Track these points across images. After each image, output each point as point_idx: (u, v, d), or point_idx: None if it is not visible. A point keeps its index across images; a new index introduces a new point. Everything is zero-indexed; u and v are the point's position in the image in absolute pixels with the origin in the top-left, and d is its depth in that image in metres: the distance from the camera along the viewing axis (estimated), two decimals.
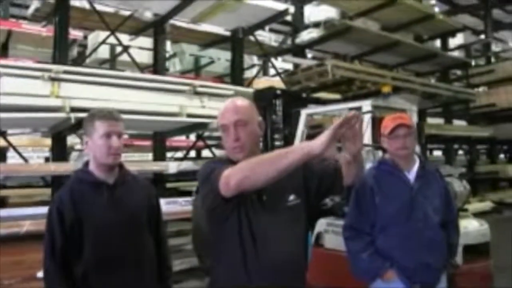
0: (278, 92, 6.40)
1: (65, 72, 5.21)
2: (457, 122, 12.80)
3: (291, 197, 2.14)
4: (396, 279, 2.88)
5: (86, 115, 2.60)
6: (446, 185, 3.26)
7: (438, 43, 12.30)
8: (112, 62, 8.74)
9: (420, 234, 2.89)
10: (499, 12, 18.54)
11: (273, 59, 9.96)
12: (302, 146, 1.87)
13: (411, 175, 3.00)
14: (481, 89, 13.29)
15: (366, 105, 5.12)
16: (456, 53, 12.86)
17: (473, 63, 13.60)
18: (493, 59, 16.44)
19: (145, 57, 8.59)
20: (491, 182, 14.01)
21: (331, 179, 2.20)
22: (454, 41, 13.43)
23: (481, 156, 16.87)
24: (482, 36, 16.99)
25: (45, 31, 7.30)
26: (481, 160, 15.92)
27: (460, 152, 15.19)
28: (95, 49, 8.28)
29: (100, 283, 2.40)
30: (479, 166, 13.96)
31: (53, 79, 5.06)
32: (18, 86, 4.86)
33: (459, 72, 13.40)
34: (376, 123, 4.81)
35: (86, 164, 2.56)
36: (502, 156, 17.33)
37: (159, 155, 6.77)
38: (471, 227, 4.33)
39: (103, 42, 7.83)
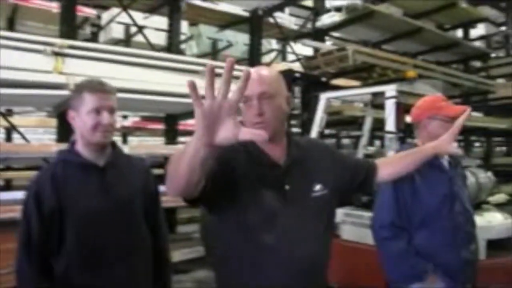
0: (297, 75, 5.96)
1: (70, 47, 4.66)
2: (473, 114, 12.26)
3: (318, 187, 1.85)
4: (438, 281, 2.56)
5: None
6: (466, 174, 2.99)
7: (459, 33, 11.71)
8: (126, 42, 8.19)
9: (462, 228, 2.62)
10: None
11: (292, 44, 9.43)
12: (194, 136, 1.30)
13: (445, 162, 2.67)
14: (499, 81, 12.71)
15: (391, 90, 4.66)
16: (477, 44, 12.24)
17: (493, 54, 13.03)
18: None
19: (161, 39, 8.00)
20: (506, 174, 13.48)
21: (364, 176, 2.01)
22: (474, 32, 12.94)
23: (495, 148, 16.35)
24: (503, 28, 16.38)
25: (56, 7, 6.76)
26: (495, 152, 15.52)
27: (476, 144, 14.84)
28: (104, 26, 7.76)
29: (85, 281, 2.06)
30: (494, 158, 13.45)
31: (56, 54, 4.52)
32: (18, 60, 4.32)
33: (478, 64, 12.88)
34: (400, 109, 4.49)
35: (73, 143, 2.16)
36: None
37: (171, 139, 6.27)
38: (495, 221, 4.04)
39: (113, 19, 7.34)
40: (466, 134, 11.60)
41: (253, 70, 1.81)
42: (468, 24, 11.40)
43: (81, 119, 2.05)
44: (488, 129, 11.79)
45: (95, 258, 2.06)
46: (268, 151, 1.79)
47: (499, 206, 5.15)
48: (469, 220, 2.68)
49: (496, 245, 3.87)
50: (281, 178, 1.78)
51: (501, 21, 17.00)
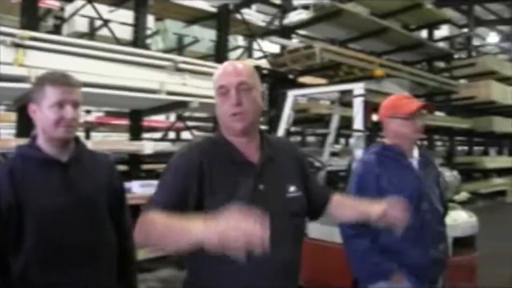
0: (265, 72, 5.93)
1: (32, 38, 4.50)
2: (437, 113, 12.50)
3: (292, 188, 1.82)
4: (404, 281, 2.53)
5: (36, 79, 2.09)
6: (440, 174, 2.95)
7: (423, 34, 11.91)
8: (90, 36, 7.99)
9: (429, 227, 2.59)
10: (478, 9, 18.48)
11: (259, 41, 9.40)
12: (196, 232, 1.42)
13: (414, 162, 2.64)
14: (462, 81, 13.01)
15: (359, 88, 4.65)
16: (440, 45, 12.46)
17: (455, 56, 13.32)
18: (474, 53, 16.35)
19: (126, 33, 7.85)
20: (467, 173, 13.81)
21: (325, 202, 2.00)
22: (438, 33, 13.17)
23: (456, 147, 16.76)
24: (465, 30, 16.78)
25: None
26: (457, 151, 15.88)
27: (438, 143, 15.15)
28: (68, 18, 7.54)
29: (46, 280, 1.95)
30: (456, 157, 13.77)
31: (17, 46, 4.36)
32: None
33: (441, 64, 13.13)
34: (367, 107, 4.50)
35: (33, 138, 2.06)
36: (475, 148, 17.20)
37: (136, 135, 6.14)
38: (461, 220, 4.12)
39: (77, 12, 7.13)
40: (430, 133, 11.83)
41: (227, 63, 1.81)
42: (432, 25, 11.61)
43: (43, 113, 1.95)
44: (451, 128, 12.09)
45: (57, 256, 1.97)
46: (242, 148, 1.76)
47: (462, 204, 5.26)
48: (438, 219, 2.67)
49: (460, 243, 3.92)
50: (254, 177, 1.74)
51: (463, 23, 17.48)
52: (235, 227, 1.31)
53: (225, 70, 1.77)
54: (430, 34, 11.93)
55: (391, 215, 1.80)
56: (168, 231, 1.48)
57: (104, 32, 7.44)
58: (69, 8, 8.10)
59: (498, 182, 14.69)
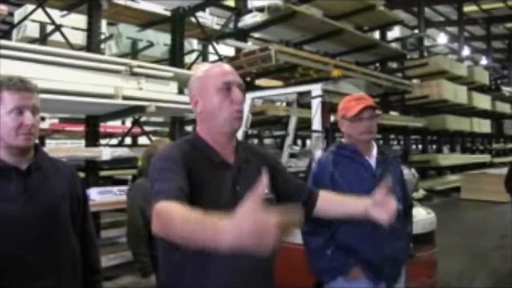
0: None
1: None
2: (392, 113, 12.79)
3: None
4: (361, 277, 2.58)
5: None
6: (403, 172, 2.97)
7: (376, 35, 12.16)
8: (42, 41, 7.82)
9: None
10: (427, 11, 19.02)
11: (214, 44, 9.42)
12: (215, 232, 1.30)
13: (372, 160, 2.68)
14: (414, 81, 13.37)
15: (316, 89, 4.71)
16: (393, 46, 12.77)
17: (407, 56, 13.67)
18: (425, 54, 16.80)
19: (79, 38, 7.76)
20: (422, 171, 14.17)
21: (306, 198, 2.00)
22: (390, 34, 13.48)
23: (411, 146, 17.18)
24: (416, 31, 17.24)
25: None
26: (412, 150, 16.27)
27: (392, 142, 15.51)
28: (18, 23, 7.37)
29: None
30: (412, 155, 14.10)
31: None
32: None
33: (394, 65, 13.45)
34: (325, 108, 4.54)
35: None
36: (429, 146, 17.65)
37: (92, 141, 6.04)
38: (420, 216, 4.16)
39: (27, 16, 6.96)
40: (385, 132, 12.10)
41: (219, 64, 1.84)
42: (385, 26, 11.89)
43: (0, 120, 1.88)
44: (406, 127, 12.39)
45: (15, 271, 1.88)
46: (219, 150, 1.77)
47: (419, 201, 5.39)
48: (395, 217, 2.69)
49: (420, 239, 3.98)
50: (232, 179, 1.76)
51: (414, 24, 17.98)
52: (262, 220, 1.27)
53: (227, 68, 1.79)
54: (383, 35, 12.21)
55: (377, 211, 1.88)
56: (187, 225, 1.37)
57: (56, 37, 7.32)
58: (18, 13, 7.94)
59: (451, 179, 15.11)
